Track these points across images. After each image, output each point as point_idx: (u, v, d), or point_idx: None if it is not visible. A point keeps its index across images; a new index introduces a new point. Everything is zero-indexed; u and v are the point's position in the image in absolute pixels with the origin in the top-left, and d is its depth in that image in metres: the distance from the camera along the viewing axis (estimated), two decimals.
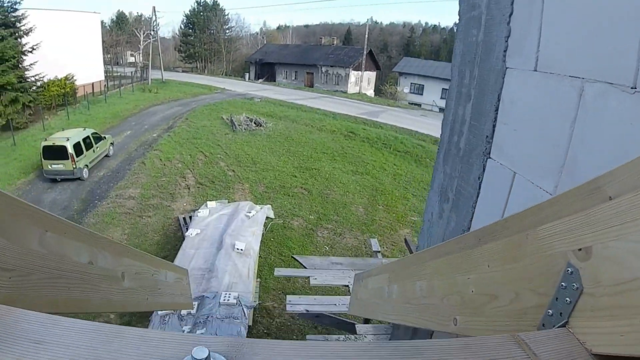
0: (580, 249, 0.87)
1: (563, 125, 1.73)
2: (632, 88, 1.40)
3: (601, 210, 0.84)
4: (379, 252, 7.91)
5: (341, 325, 7.16)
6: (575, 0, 1.66)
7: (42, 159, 17.76)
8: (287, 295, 5.98)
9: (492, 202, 2.27)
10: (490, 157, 2.30)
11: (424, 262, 1.79)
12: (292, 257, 7.62)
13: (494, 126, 2.26)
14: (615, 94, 1.48)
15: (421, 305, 1.74)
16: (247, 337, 9.13)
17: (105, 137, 21.12)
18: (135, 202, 16.51)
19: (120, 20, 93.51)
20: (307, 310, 5.74)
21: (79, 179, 18.36)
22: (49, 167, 17.76)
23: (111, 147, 21.66)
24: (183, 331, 8.26)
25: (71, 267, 1.70)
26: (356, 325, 5.78)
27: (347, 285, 6.37)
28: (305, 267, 6.78)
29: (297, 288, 11.74)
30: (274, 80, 59.80)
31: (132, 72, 47.72)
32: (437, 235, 2.62)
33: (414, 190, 18.69)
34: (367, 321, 6.30)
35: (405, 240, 8.47)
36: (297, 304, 5.83)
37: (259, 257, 12.09)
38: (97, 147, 19.84)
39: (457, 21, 2.76)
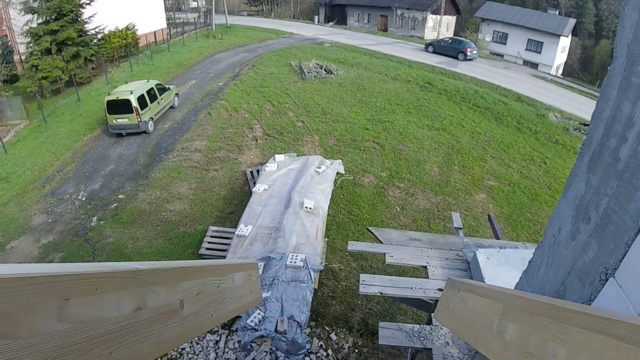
0: None
1: None
2: None
3: None
4: (460, 228, 7.27)
5: (416, 302, 6.71)
6: None
7: (107, 114, 17.82)
8: (361, 275, 5.56)
9: None
10: None
11: (566, 324, 1.29)
12: (367, 229, 7.14)
13: None
14: None
15: None
16: (311, 301, 8.98)
17: (169, 88, 20.84)
18: (202, 155, 16.51)
19: None
20: (382, 293, 5.32)
21: (144, 132, 18.41)
22: (114, 121, 17.87)
23: (176, 98, 21.40)
24: None
25: (111, 326, 1.28)
26: (432, 315, 5.31)
27: (425, 267, 5.87)
28: (380, 242, 6.31)
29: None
30: (345, 24, 57.65)
31: (195, 18, 46.72)
32: (564, 259, 2.01)
33: (492, 151, 17.50)
34: None
35: (490, 219, 7.77)
36: (371, 284, 5.41)
37: (327, 215, 11.74)
38: (161, 99, 19.60)
39: None
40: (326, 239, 11.41)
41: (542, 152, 17.84)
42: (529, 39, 45.81)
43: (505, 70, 33.26)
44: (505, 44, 48.69)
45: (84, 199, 14.69)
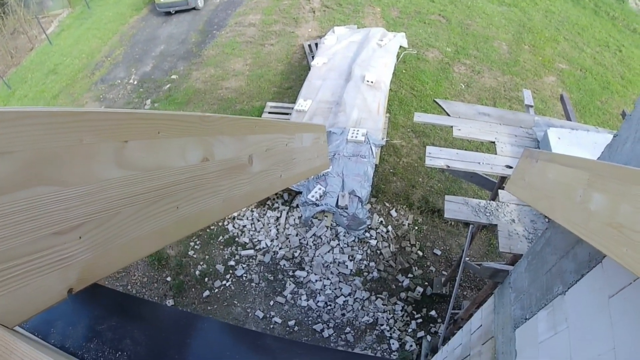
0: None
1: None
2: None
3: None
4: (531, 106, 6.79)
5: (479, 180, 6.53)
6: None
7: None
8: (427, 147, 5.35)
9: None
10: None
11: None
12: (434, 100, 6.78)
13: None
14: None
15: None
16: (372, 176, 8.96)
17: None
18: (256, 30, 15.86)
19: None
20: (448, 166, 5.13)
21: (194, 8, 17.62)
22: None
23: None
24: None
25: (177, 177, 1.17)
26: (500, 191, 5.12)
27: (493, 142, 5.57)
28: (448, 115, 6.00)
29: (428, 128, 11.06)
30: None
31: None
32: None
33: (566, 33, 15.84)
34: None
35: (562, 99, 7.19)
36: (437, 157, 5.21)
37: (389, 90, 11.32)
38: None
39: None
40: (388, 114, 11.12)
41: (618, 40, 16.07)
42: None
43: None
44: None
45: (135, 82, 14.74)
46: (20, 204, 0.71)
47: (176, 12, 17.70)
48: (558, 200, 2.13)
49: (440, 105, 6.30)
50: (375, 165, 9.17)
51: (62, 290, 0.81)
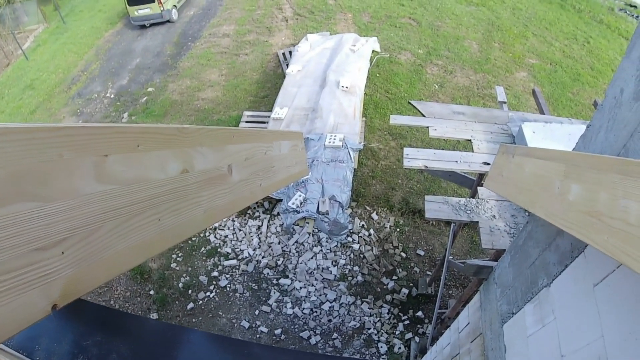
0: None
1: None
2: None
3: None
4: (505, 102, 6.90)
5: (458, 178, 6.59)
6: None
7: (127, 6, 17.00)
8: (405, 149, 5.38)
9: None
10: None
11: None
12: (409, 102, 6.88)
13: None
14: None
15: (621, 232, 1.23)
16: (352, 181, 8.99)
17: None
18: (231, 40, 15.91)
19: None
20: (426, 167, 5.17)
21: (168, 21, 17.67)
22: (136, 13, 17.08)
23: None
24: None
25: (157, 189, 1.15)
26: (479, 188, 5.18)
27: (470, 140, 5.65)
28: (423, 116, 6.05)
29: (404, 130, 11.14)
30: None
31: None
32: (626, 121, 1.86)
33: (534, 28, 16.23)
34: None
35: (534, 93, 7.33)
36: (415, 158, 5.25)
37: (364, 94, 11.40)
38: None
39: None
40: (364, 119, 11.19)
41: (585, 32, 16.52)
42: None
43: None
44: None
45: (112, 96, 14.66)
46: (3, 220, 0.70)
47: (150, 25, 17.72)
48: (537, 193, 2.16)
49: (415, 107, 6.36)
50: (354, 169, 9.21)
51: (46, 307, 0.79)
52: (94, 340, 8.27)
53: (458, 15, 16.59)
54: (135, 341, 8.32)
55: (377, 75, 13.19)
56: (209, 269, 9.11)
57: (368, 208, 9.77)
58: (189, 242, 9.47)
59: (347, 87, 10.50)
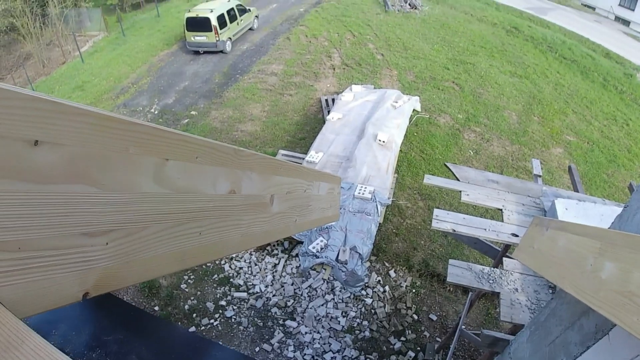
0: None
1: None
2: None
3: None
4: (540, 176, 6.85)
5: (483, 247, 6.48)
6: None
7: (185, 31, 17.79)
8: (435, 210, 5.34)
9: None
10: None
11: None
12: (445, 165, 6.85)
13: None
14: None
15: None
16: (375, 234, 8.91)
17: (249, 10, 20.41)
18: (277, 79, 16.32)
19: None
20: (454, 230, 5.11)
21: (221, 51, 18.32)
22: (192, 38, 17.85)
23: (256, 20, 20.96)
24: None
25: (205, 203, 1.16)
26: (504, 259, 5.07)
27: (501, 209, 5.58)
28: (457, 179, 6.03)
29: (434, 191, 11.09)
30: None
31: None
32: None
33: (575, 106, 16.30)
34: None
35: (570, 170, 7.27)
36: (444, 220, 5.19)
37: (400, 151, 11.46)
38: (241, 20, 19.33)
39: None
40: (396, 175, 11.19)
41: (625, 113, 16.58)
42: None
43: (596, 23, 30.73)
44: None
45: (156, 112, 15.08)
46: (59, 197, 0.71)
47: (204, 52, 18.42)
48: (568, 269, 2.12)
49: (450, 169, 6.34)
50: (379, 223, 9.15)
51: (78, 293, 0.79)
52: (115, 338, 8.15)
53: (501, 84, 16.74)
54: (160, 346, 8.17)
55: (415, 134, 13.27)
56: (217, 296, 9.04)
57: (387, 264, 9.64)
58: (203, 266, 9.46)
59: (383, 142, 10.57)
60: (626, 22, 40.65)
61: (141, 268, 0.95)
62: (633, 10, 42.20)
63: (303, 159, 10.62)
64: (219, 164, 1.19)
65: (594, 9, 41.77)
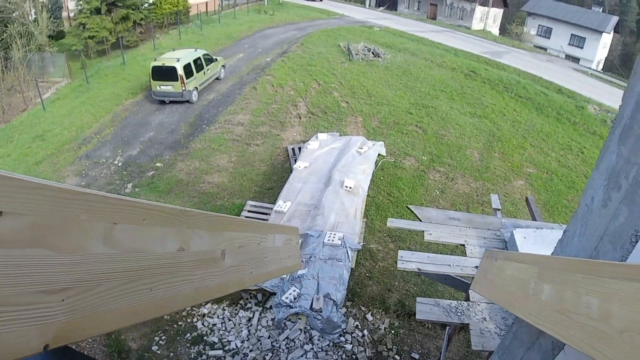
0: None
1: None
2: None
3: None
4: (499, 209, 7.14)
5: (453, 282, 6.62)
6: None
7: (151, 80, 17.78)
8: (400, 251, 5.53)
9: None
10: None
11: (599, 276, 1.35)
12: (407, 207, 7.10)
13: None
14: None
15: (585, 327, 1.36)
16: (348, 280, 8.96)
17: (216, 59, 20.68)
18: (244, 129, 16.52)
19: None
20: (419, 269, 5.27)
21: (187, 101, 18.28)
22: (158, 88, 17.79)
23: (222, 70, 21.23)
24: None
25: (154, 262, 1.29)
26: (470, 291, 5.23)
27: (464, 245, 5.81)
28: (420, 220, 6.24)
29: (404, 233, 11.28)
30: (396, 9, 57.31)
31: None
32: (596, 226, 2.06)
33: (532, 140, 17.27)
34: None
35: (527, 201, 7.59)
36: (409, 260, 5.37)
37: (367, 195, 11.68)
38: (207, 70, 19.48)
39: None
40: (365, 219, 11.36)
41: (580, 142, 17.79)
42: (572, 34, 47.80)
43: (548, 63, 32.75)
44: (549, 38, 50.31)
45: (120, 164, 14.86)
46: (21, 259, 0.83)
47: (170, 102, 18.38)
48: (515, 294, 2.29)
49: (413, 212, 6.57)
50: (351, 268, 9.22)
51: (39, 345, 0.90)
52: None
53: (462, 125, 17.43)
54: None
55: (381, 178, 13.58)
56: (192, 356, 8.83)
57: (363, 308, 9.66)
58: (175, 326, 9.27)
59: (350, 188, 10.78)
60: (576, 59, 43.56)
61: (97, 322, 1.06)
62: (582, 48, 45.40)
63: (271, 208, 10.71)
64: (167, 224, 1.31)
65: (545, 49, 44.70)
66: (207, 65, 19.42)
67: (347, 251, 9.04)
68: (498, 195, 7.86)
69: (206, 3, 35.14)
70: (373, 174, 12.56)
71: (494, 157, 15.77)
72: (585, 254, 2.04)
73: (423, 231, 6.07)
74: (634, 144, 2.06)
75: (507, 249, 5.67)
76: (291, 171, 12.39)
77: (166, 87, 17.78)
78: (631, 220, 1.96)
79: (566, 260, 1.65)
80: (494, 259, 3.03)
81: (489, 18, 52.23)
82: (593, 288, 1.35)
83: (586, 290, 1.39)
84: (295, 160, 13.06)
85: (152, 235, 1.25)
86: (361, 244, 10.05)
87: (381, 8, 55.85)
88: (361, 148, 12.81)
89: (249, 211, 11.51)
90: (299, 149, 14.40)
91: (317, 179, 11.56)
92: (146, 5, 27.65)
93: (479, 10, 50.94)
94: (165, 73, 17.55)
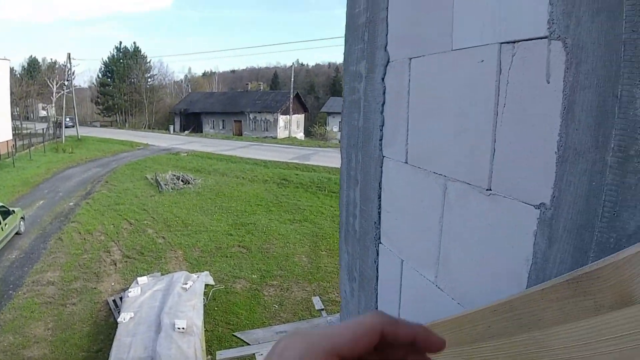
0: None
1: (433, 221, 1.72)
2: (487, 190, 1.40)
3: None
4: (322, 309, 7.76)
5: None
6: (435, 102, 1.67)
7: None
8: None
9: (389, 285, 2.25)
10: (381, 243, 2.28)
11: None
12: (234, 335, 7.32)
13: (379, 212, 2.24)
14: (473, 194, 1.48)
15: None
16: None
17: (14, 211, 18.23)
18: (56, 288, 15.07)
19: (32, 67, 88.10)
20: None
21: None
22: None
23: (22, 222, 18.97)
24: None
25: None
26: None
27: None
28: (249, 344, 6.49)
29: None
30: (201, 131, 59.43)
31: (43, 129, 44.69)
32: (352, 311, 2.62)
33: None
34: None
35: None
36: None
37: (205, 331, 11.54)
38: (5, 224, 17.11)
39: (343, 102, 2.77)
40: (209, 357, 11.08)
41: None
42: None
43: None
44: None
45: None
46: None
47: None
48: None
49: (239, 338, 6.82)
50: None
51: None
52: None
53: (284, 234, 18.40)
54: None
55: (215, 308, 13.50)
56: None
57: None
58: None
59: (183, 329, 10.53)
60: None
61: None
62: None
63: None
64: None
65: None
66: (4, 219, 17.16)
67: None
68: (319, 297, 8.48)
69: None
70: (205, 306, 12.51)
71: (322, 255, 16.71)
72: None
73: (254, 354, 6.30)
74: (352, 244, 2.74)
75: None
76: (117, 326, 11.73)
77: None
78: (367, 303, 2.57)
79: None
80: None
81: (293, 125, 56.83)
82: None
83: None
84: (119, 313, 12.42)
85: None
86: None
87: (186, 132, 57.54)
88: (186, 284, 12.74)
89: None
90: (120, 299, 13.70)
91: (147, 327, 11.12)
92: None
93: (282, 119, 55.32)
94: None
